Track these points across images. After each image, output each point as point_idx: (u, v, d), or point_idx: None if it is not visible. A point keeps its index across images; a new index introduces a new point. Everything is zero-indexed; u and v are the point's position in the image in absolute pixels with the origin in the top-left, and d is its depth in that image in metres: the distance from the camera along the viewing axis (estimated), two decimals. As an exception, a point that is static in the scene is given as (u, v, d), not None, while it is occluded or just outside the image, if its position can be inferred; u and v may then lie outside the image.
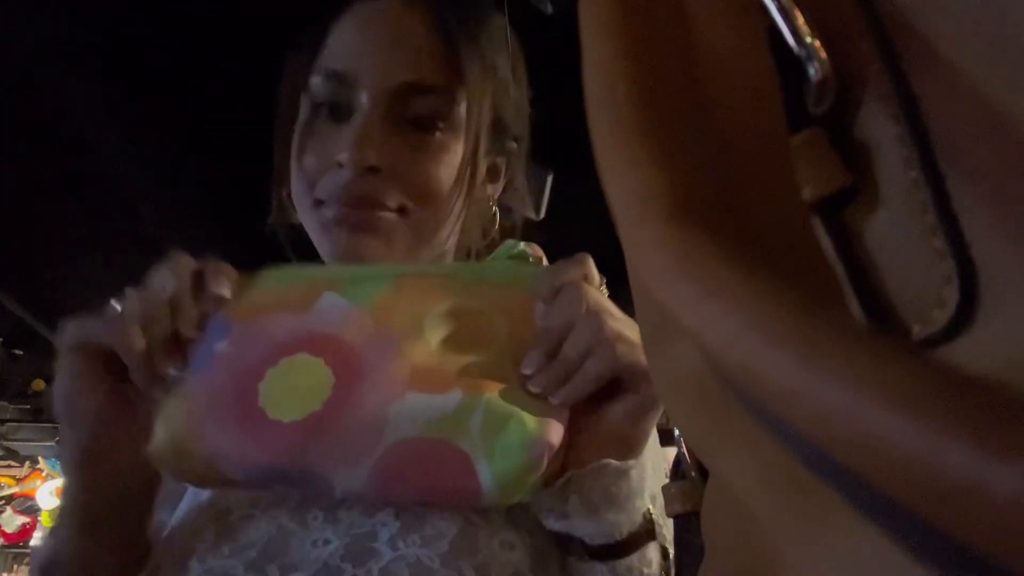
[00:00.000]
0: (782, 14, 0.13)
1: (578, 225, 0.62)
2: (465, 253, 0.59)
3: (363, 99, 0.50)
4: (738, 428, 0.13)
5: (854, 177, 0.13)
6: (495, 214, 0.59)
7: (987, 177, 0.11)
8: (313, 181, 0.52)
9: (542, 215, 0.60)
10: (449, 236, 0.55)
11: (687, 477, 0.23)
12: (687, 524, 0.23)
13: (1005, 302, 0.11)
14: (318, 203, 0.52)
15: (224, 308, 0.43)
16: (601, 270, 0.43)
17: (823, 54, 0.13)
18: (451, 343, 0.41)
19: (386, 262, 0.52)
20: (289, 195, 0.56)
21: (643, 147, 0.11)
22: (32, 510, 3.32)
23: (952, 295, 0.11)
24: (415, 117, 0.51)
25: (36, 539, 3.19)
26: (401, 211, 0.51)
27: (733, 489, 0.15)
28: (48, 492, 3.25)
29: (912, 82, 0.12)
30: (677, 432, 0.23)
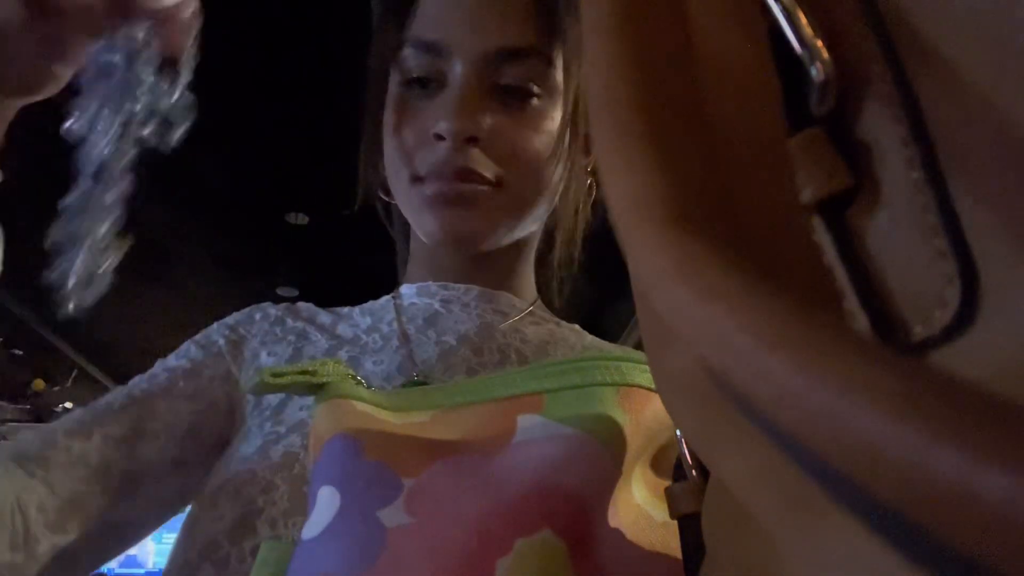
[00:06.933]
0: (785, 14, 0.13)
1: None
2: (558, 226, 0.57)
3: (457, 68, 0.48)
4: (736, 430, 0.13)
5: (856, 178, 0.13)
6: (591, 185, 0.57)
7: (989, 178, 0.11)
8: (410, 157, 0.50)
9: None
10: (546, 210, 0.54)
11: (688, 478, 0.23)
12: (688, 524, 0.23)
13: (1007, 302, 0.11)
14: (416, 180, 0.50)
15: (360, 439, 0.27)
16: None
17: (826, 55, 0.13)
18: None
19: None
20: (380, 175, 0.55)
21: (641, 150, 0.11)
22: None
23: (954, 296, 0.11)
24: (511, 84, 0.49)
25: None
26: (498, 183, 0.49)
27: (733, 490, 0.15)
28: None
29: (915, 83, 0.12)
30: (678, 432, 0.23)
